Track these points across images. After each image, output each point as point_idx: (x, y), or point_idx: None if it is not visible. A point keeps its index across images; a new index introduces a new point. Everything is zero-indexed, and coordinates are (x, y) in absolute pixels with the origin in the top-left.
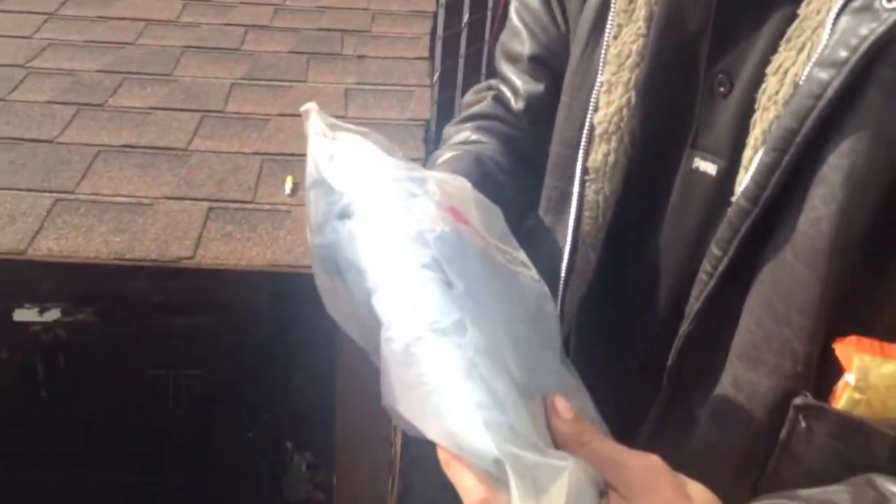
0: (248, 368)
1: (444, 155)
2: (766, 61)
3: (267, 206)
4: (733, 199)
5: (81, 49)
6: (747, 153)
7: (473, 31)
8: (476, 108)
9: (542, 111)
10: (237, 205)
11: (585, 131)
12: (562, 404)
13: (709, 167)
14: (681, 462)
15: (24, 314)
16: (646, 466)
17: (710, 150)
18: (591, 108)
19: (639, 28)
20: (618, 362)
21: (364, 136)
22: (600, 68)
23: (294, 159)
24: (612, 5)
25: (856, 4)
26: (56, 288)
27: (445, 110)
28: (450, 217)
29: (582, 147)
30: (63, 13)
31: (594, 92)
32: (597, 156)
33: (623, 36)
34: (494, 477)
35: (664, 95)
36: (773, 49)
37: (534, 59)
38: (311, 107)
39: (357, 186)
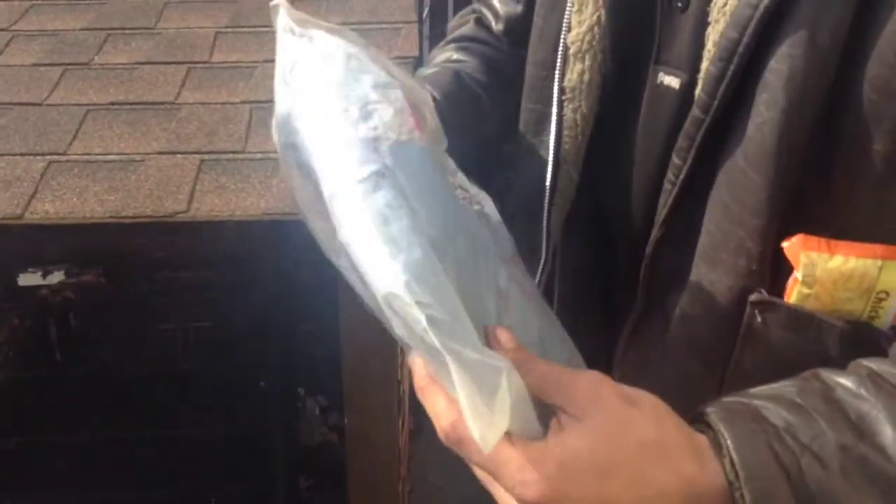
0: (254, 318)
1: (426, 72)
2: None
3: (259, 155)
4: None
5: (64, 8)
6: (703, 65)
7: None
8: (459, 31)
9: (520, 32)
10: (229, 155)
11: (560, 52)
12: (503, 334)
13: (672, 81)
14: (656, 359)
15: (28, 278)
16: (589, 381)
17: (672, 64)
18: (563, 28)
19: None
20: (602, 273)
21: (337, 34)
22: None
23: None
24: None
25: None
26: (57, 250)
27: (435, 46)
28: (411, 122)
29: (557, 68)
30: None
31: (566, 12)
32: (572, 75)
33: None
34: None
35: (630, 12)
36: None
37: None
38: (279, 2)
39: (312, 93)
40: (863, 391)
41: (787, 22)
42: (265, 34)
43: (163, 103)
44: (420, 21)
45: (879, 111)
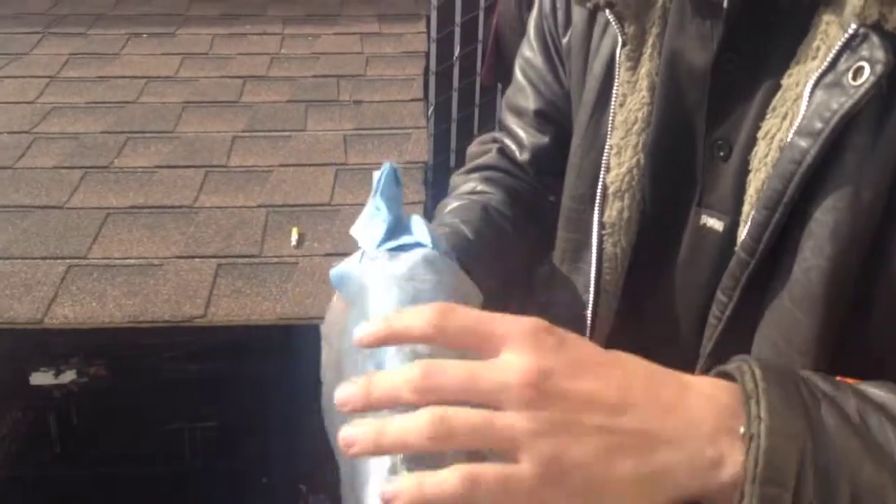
0: (258, 413)
1: (452, 204)
2: (756, 127)
3: (274, 259)
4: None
5: (84, 111)
6: (745, 209)
7: (465, 64)
8: (482, 160)
9: (546, 162)
10: (245, 260)
11: (599, 189)
12: None
13: (715, 223)
14: None
15: (40, 377)
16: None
17: (715, 207)
18: (602, 168)
19: (643, 97)
20: None
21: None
22: (609, 132)
23: (297, 209)
24: (616, 77)
25: (827, 80)
26: (71, 350)
27: (441, 143)
28: None
29: (597, 204)
30: (64, 75)
31: (605, 154)
32: (612, 212)
33: (628, 104)
34: None
35: (671, 158)
36: (761, 117)
37: (539, 114)
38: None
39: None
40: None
41: (830, 177)
42: (279, 138)
43: (181, 207)
44: (426, 125)
45: None
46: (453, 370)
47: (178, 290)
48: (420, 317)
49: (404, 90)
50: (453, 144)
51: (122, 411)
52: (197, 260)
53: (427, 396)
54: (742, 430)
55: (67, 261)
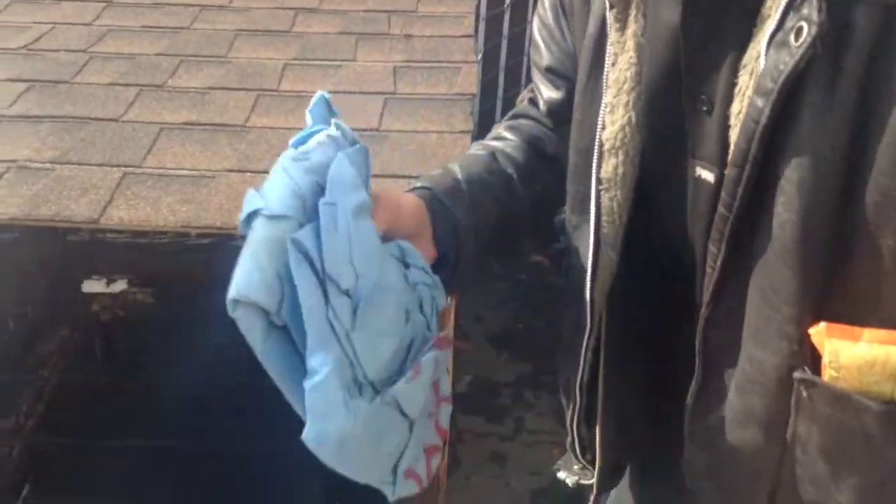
0: None
1: (471, 149)
2: (732, 84)
3: None
4: None
5: (139, 34)
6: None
7: (516, 11)
8: (517, 108)
9: (561, 115)
10: None
11: (596, 146)
12: None
13: (708, 175)
14: (719, 426)
15: (92, 285)
16: None
17: (707, 159)
18: (599, 125)
19: (630, 58)
20: (650, 340)
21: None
22: (604, 90)
23: None
24: (608, 36)
25: (777, 38)
26: (122, 263)
27: (489, 90)
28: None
29: (595, 159)
30: (121, 0)
31: (601, 111)
32: (607, 168)
33: (619, 64)
34: None
35: (660, 114)
36: (735, 72)
37: (550, 70)
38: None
39: None
40: None
41: (790, 134)
42: (330, 67)
43: (233, 126)
44: (476, 62)
45: (886, 212)
46: None
47: (230, 200)
48: None
49: (455, 27)
50: (500, 93)
51: (167, 332)
52: (248, 174)
53: None
54: None
55: (122, 168)
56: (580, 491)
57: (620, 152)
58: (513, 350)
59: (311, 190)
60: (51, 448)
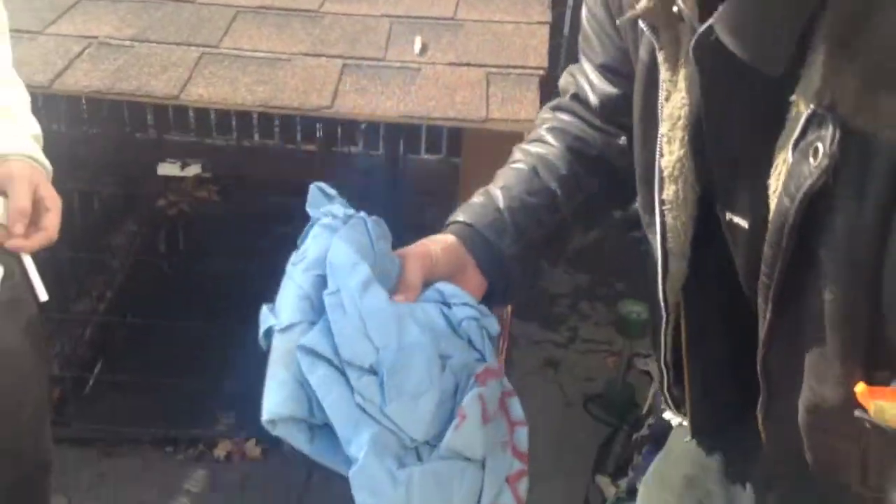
0: None
1: (513, 156)
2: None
3: (397, 64)
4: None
5: None
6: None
7: None
8: (560, 101)
9: (616, 109)
10: (370, 62)
11: (657, 170)
12: None
13: (741, 221)
14: (793, 435)
15: (167, 168)
16: None
17: (737, 210)
18: (658, 152)
19: (682, 97)
20: (727, 331)
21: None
22: (660, 121)
23: (421, 21)
24: (660, 73)
25: (801, 146)
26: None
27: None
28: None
29: (657, 183)
30: None
31: (659, 140)
32: (668, 192)
33: (673, 100)
34: None
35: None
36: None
37: (604, 68)
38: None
39: None
40: None
41: (821, 235)
42: None
43: (307, 10)
44: None
45: None
46: None
47: (306, 82)
48: None
49: None
50: (562, 62)
51: (231, 230)
52: (323, 58)
53: None
54: None
55: (200, 48)
56: (632, 395)
57: (679, 180)
58: (571, 262)
59: (314, 286)
60: (119, 330)
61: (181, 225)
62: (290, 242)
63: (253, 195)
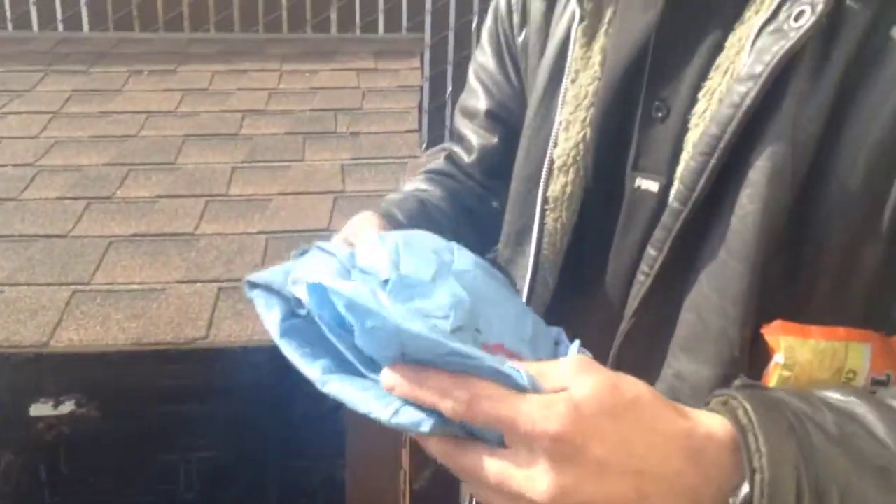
0: (252, 448)
1: (392, 196)
2: (698, 87)
3: None
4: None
5: (87, 144)
6: (680, 168)
7: (456, 102)
8: (430, 166)
9: (494, 162)
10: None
11: (546, 164)
12: None
13: (651, 185)
14: None
15: (39, 409)
16: (572, 359)
17: (650, 170)
18: (550, 143)
19: (595, 72)
20: None
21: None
22: (559, 109)
23: (296, 235)
24: (570, 53)
25: (769, 28)
26: (70, 384)
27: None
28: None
29: (542, 180)
30: (67, 111)
31: (554, 130)
32: (556, 186)
33: (580, 80)
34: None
35: (612, 128)
36: (704, 76)
37: (489, 114)
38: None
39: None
40: (853, 397)
41: (769, 122)
42: (278, 168)
43: (182, 234)
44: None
45: (844, 206)
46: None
47: (181, 313)
48: (454, 391)
49: (400, 122)
50: None
51: (115, 450)
52: (198, 284)
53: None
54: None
55: (72, 286)
56: None
57: (571, 170)
58: None
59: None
60: None
61: (62, 448)
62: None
63: (137, 407)
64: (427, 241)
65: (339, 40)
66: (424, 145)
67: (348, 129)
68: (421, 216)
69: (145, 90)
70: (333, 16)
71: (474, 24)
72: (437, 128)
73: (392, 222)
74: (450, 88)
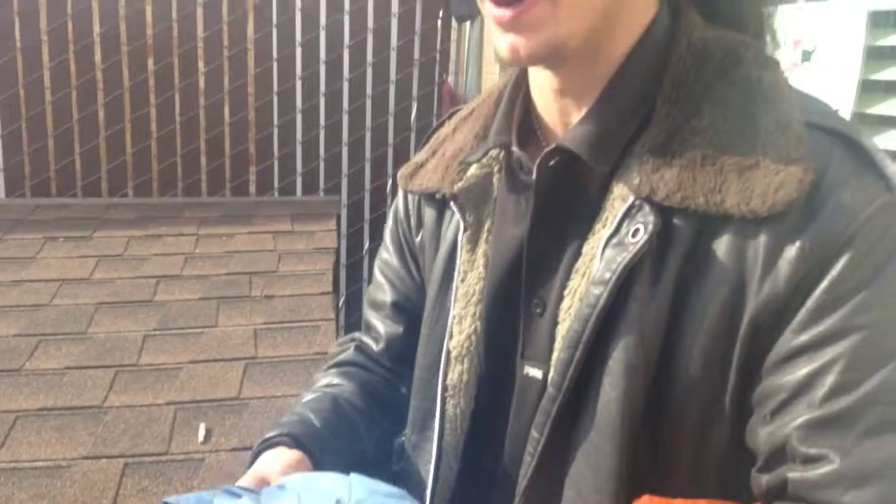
0: None
1: (306, 396)
2: (564, 286)
3: (181, 456)
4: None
5: None
6: (555, 356)
7: (374, 256)
8: (339, 357)
9: (401, 350)
10: (152, 458)
11: (443, 355)
12: None
13: (536, 372)
14: None
15: None
16: None
17: (535, 358)
18: (447, 336)
19: (479, 273)
20: None
21: None
22: (452, 304)
23: (206, 405)
24: (458, 256)
25: (614, 241)
26: None
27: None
28: None
29: (441, 369)
30: None
31: (448, 323)
32: (453, 375)
33: (468, 279)
34: None
35: (501, 321)
36: (568, 277)
37: (395, 306)
38: None
39: None
40: None
41: (620, 321)
42: (190, 335)
43: (90, 407)
44: (336, 318)
45: (693, 387)
46: None
47: (85, 491)
48: None
49: (315, 284)
50: None
51: None
52: (104, 460)
53: None
54: None
55: None
56: None
57: (466, 359)
58: None
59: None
60: None
61: None
62: None
63: None
64: (326, 482)
65: (257, 203)
66: (342, 300)
67: (262, 292)
68: (335, 417)
69: (59, 257)
70: (252, 178)
71: (389, 186)
72: (354, 282)
73: (308, 428)
74: (366, 245)
